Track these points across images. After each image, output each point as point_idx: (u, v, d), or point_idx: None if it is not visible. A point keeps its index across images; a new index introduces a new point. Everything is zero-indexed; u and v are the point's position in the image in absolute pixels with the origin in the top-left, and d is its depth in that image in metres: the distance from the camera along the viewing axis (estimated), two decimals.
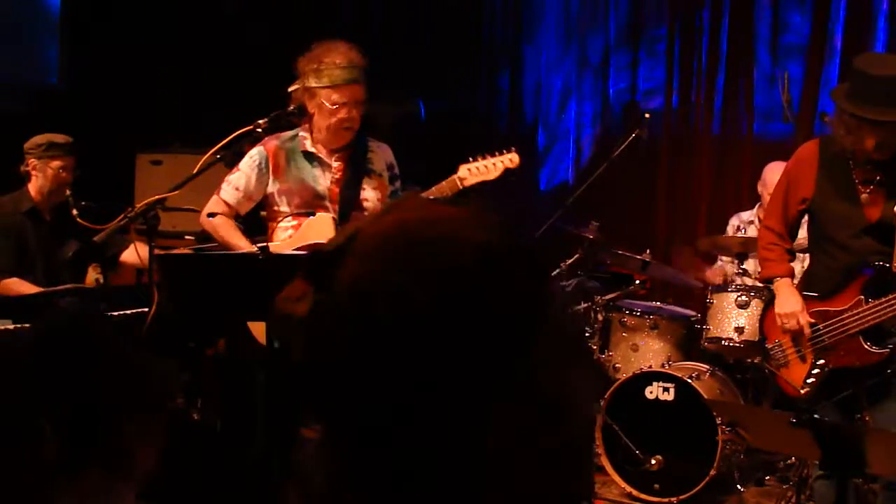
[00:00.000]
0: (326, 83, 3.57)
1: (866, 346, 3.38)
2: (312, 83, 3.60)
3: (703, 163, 6.52)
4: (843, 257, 3.46)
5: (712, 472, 4.46)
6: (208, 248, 3.82)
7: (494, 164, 3.58)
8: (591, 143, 6.91)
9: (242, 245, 3.67)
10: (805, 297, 3.54)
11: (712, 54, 6.47)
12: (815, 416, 3.39)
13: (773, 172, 5.30)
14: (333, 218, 3.58)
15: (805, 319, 3.49)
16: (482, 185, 3.56)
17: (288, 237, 3.56)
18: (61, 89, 7.03)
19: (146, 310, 3.52)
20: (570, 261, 4.94)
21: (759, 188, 5.40)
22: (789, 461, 4.76)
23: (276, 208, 3.69)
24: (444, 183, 3.56)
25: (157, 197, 3.47)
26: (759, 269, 3.90)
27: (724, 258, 5.49)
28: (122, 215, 3.50)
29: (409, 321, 0.81)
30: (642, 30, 6.73)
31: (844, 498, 3.38)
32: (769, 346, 3.68)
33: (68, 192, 4.62)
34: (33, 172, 4.66)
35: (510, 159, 3.59)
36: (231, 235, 3.69)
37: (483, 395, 0.82)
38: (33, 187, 4.69)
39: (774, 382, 5.05)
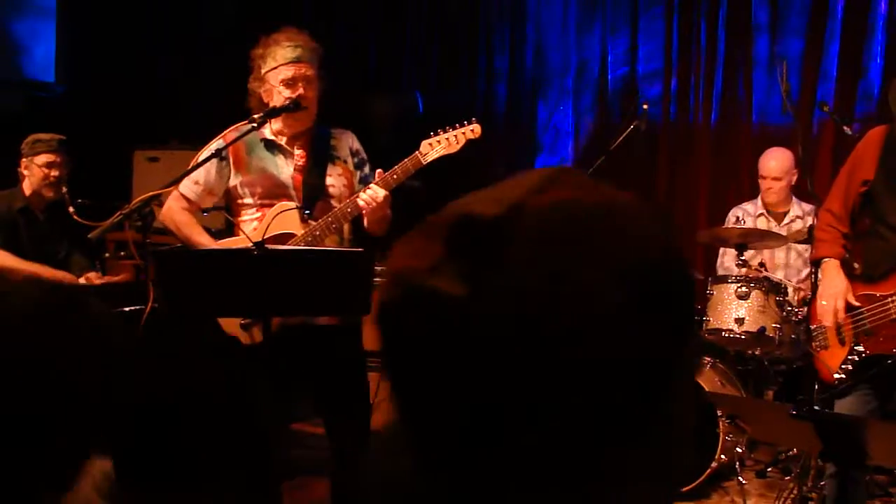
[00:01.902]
0: (273, 64, 3.56)
1: None
2: (262, 70, 3.58)
3: (702, 154, 6.50)
4: None
5: (714, 465, 4.45)
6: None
7: (456, 137, 3.53)
8: (590, 134, 6.89)
9: (205, 242, 3.62)
10: (853, 280, 3.53)
11: (710, 44, 6.45)
12: (842, 401, 3.41)
13: (768, 158, 5.31)
14: (297, 207, 3.53)
15: (843, 303, 3.48)
16: (441, 165, 3.52)
17: (253, 230, 3.51)
18: (59, 87, 7.01)
19: (143, 307, 3.51)
20: None
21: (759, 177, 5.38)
22: (791, 452, 4.75)
23: (239, 202, 3.62)
24: (407, 160, 3.51)
25: (152, 193, 3.45)
26: (812, 249, 3.89)
27: (725, 250, 5.48)
28: (117, 212, 3.49)
29: (595, 320, 0.73)
30: (640, 18, 6.70)
31: (847, 493, 3.37)
32: (813, 327, 3.67)
33: (65, 190, 4.63)
34: (25, 172, 4.71)
35: (472, 130, 3.55)
36: (193, 233, 3.63)
37: (645, 411, 0.76)
38: (26, 186, 4.72)
39: (777, 371, 5.06)
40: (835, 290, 3.50)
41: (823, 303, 3.52)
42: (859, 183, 3.56)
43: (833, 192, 3.74)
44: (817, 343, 3.63)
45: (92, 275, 4.83)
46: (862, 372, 3.42)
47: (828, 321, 3.52)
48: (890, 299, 3.39)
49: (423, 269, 0.74)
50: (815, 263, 3.81)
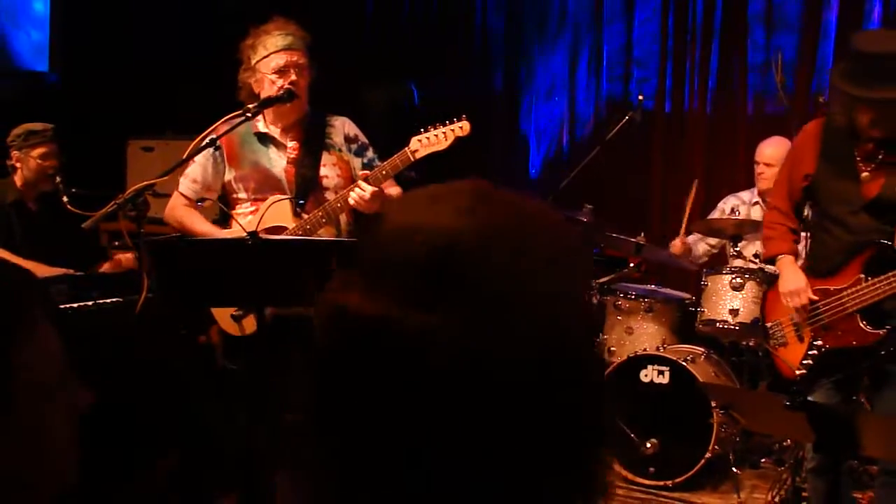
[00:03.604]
0: (264, 53, 3.55)
1: (862, 326, 3.36)
2: (252, 61, 3.56)
3: (697, 145, 6.50)
4: (843, 235, 3.43)
5: (707, 455, 4.46)
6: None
7: (445, 134, 3.50)
8: (585, 127, 6.88)
9: (207, 230, 3.62)
10: (807, 275, 3.51)
11: (706, 35, 6.44)
12: (809, 398, 3.40)
13: (765, 144, 5.30)
14: (290, 199, 3.52)
15: (808, 296, 3.47)
16: (434, 155, 3.49)
17: (247, 224, 3.51)
18: (52, 76, 6.98)
19: (137, 296, 3.50)
20: None
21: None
22: (785, 443, 4.76)
23: (234, 196, 3.62)
24: (396, 156, 3.49)
25: (146, 183, 3.44)
26: (762, 249, 3.87)
27: (711, 240, 5.45)
28: (111, 202, 3.47)
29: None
30: (635, 11, 6.69)
31: (837, 486, 3.38)
32: (768, 324, 3.66)
33: (59, 180, 4.61)
34: (17, 164, 4.67)
35: (461, 127, 3.52)
36: (195, 223, 3.64)
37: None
38: (18, 178, 4.69)
39: (772, 362, 5.07)
40: (796, 286, 3.49)
41: (788, 301, 3.51)
42: (801, 177, 3.54)
43: (776, 187, 3.73)
44: (775, 340, 3.63)
45: (125, 256, 4.76)
46: (823, 366, 3.41)
47: (796, 317, 3.52)
48: (846, 293, 3.39)
49: (381, 304, 0.74)
50: (769, 262, 3.81)
